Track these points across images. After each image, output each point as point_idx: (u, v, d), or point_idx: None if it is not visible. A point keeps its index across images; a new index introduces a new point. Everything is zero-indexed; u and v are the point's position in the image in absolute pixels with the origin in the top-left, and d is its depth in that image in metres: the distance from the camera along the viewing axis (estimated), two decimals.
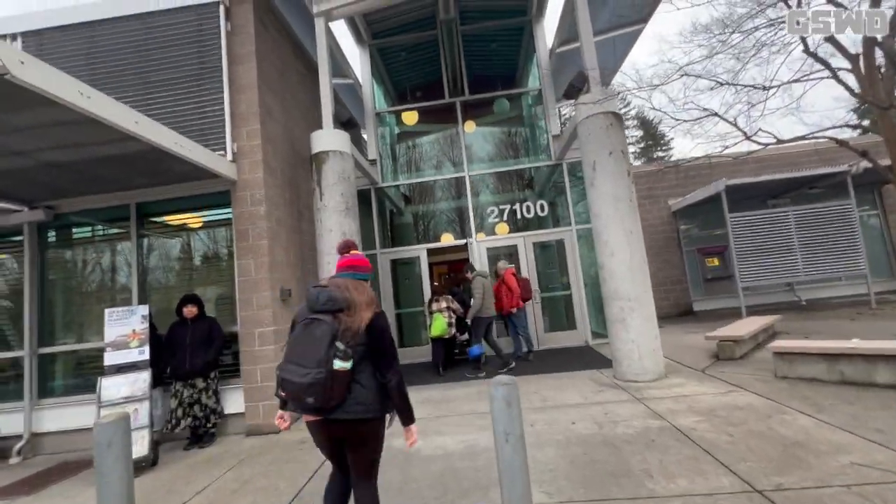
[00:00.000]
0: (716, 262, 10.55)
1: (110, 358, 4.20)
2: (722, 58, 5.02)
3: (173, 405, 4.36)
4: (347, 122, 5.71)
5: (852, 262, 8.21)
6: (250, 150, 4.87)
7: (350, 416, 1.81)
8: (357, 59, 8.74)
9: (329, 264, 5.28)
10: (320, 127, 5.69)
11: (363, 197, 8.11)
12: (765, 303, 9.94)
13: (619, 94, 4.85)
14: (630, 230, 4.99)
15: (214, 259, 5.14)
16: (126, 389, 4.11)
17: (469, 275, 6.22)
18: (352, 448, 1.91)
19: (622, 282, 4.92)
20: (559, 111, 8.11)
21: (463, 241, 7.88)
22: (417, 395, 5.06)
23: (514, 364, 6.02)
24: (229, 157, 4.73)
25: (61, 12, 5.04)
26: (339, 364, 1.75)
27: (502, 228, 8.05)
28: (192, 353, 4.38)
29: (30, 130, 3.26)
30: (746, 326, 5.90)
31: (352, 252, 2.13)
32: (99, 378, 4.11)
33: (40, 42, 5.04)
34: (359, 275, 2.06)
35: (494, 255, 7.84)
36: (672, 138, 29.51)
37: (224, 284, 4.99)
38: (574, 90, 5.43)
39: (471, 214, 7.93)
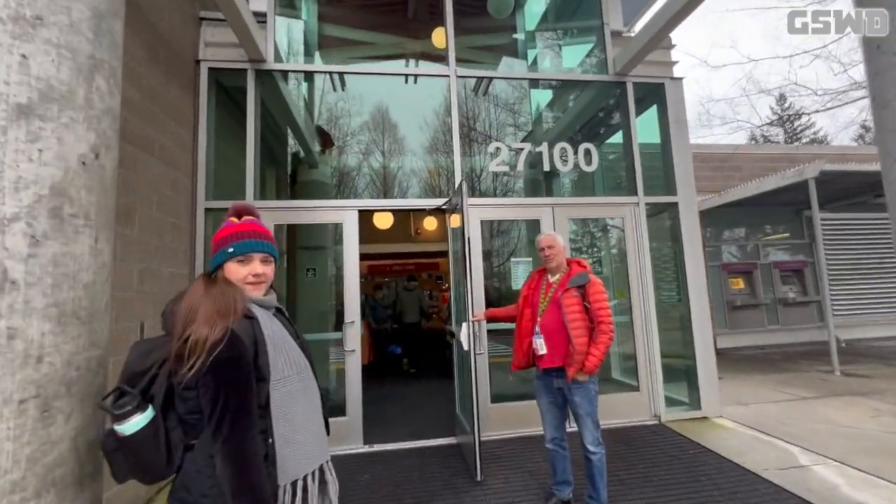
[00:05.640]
0: (740, 283, 8.04)
1: None
2: None
3: None
4: None
5: None
6: None
7: None
8: None
9: None
10: None
11: (231, 86, 3.74)
12: (788, 342, 7.69)
13: None
14: None
15: None
16: None
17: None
18: None
19: None
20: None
21: (439, 203, 3.90)
22: None
23: None
24: None
25: None
26: None
27: (503, 188, 4.26)
28: None
29: None
30: None
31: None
32: None
33: None
34: None
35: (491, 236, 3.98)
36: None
37: None
38: None
39: (456, 157, 4.00)
